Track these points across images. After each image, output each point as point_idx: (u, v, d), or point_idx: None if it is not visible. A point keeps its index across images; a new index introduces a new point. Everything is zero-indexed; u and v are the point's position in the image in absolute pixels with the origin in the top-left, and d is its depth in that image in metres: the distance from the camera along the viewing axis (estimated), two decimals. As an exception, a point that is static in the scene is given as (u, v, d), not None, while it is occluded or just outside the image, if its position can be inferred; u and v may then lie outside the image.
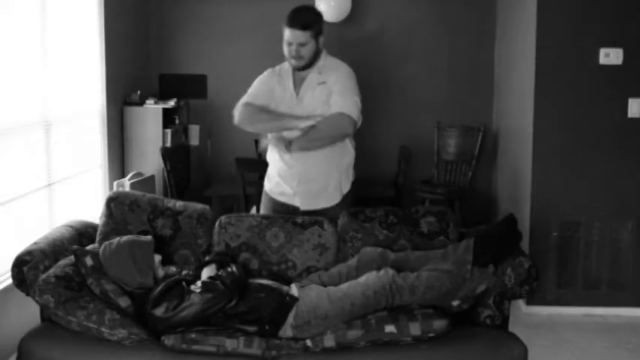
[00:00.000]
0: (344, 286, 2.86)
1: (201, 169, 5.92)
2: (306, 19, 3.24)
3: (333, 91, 3.26)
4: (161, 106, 5.32)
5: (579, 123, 4.25)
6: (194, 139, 5.88)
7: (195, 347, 2.70)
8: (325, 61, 3.35)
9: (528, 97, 4.38)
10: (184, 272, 3.00)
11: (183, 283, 2.85)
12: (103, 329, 2.72)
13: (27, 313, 3.26)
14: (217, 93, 5.90)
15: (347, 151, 3.46)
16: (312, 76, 3.31)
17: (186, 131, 5.81)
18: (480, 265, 2.87)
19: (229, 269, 2.90)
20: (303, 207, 3.41)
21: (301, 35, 3.20)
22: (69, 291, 2.80)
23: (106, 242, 3.00)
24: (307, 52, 3.24)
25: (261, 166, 4.92)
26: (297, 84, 3.34)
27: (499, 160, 5.59)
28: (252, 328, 2.78)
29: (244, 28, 5.87)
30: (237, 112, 3.35)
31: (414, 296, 2.80)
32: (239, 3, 5.85)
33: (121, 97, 5.25)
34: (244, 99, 3.37)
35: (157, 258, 2.98)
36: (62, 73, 4.27)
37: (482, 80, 5.83)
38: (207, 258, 3.08)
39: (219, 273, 2.88)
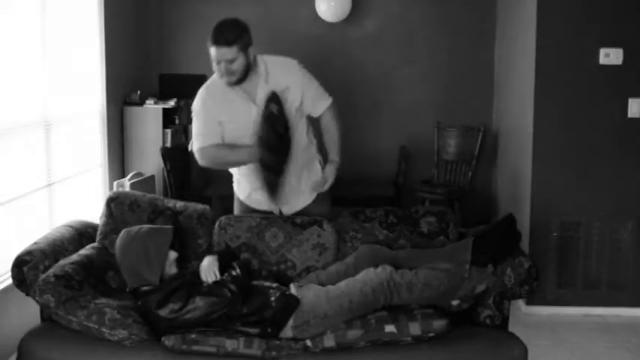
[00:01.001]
0: (342, 284, 2.86)
1: (201, 169, 5.90)
2: (230, 34, 3.02)
3: (299, 96, 3.14)
4: (161, 106, 5.32)
5: (579, 123, 4.24)
6: (194, 139, 5.87)
7: (195, 348, 2.70)
8: (265, 66, 3.13)
9: (528, 97, 4.38)
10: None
11: (189, 284, 2.84)
12: (104, 329, 2.72)
13: (27, 313, 3.27)
14: (217, 93, 5.89)
15: (310, 146, 3.32)
16: (262, 87, 3.09)
17: (186, 131, 5.81)
18: (479, 265, 2.87)
19: (234, 273, 2.89)
20: (286, 211, 3.34)
21: (228, 52, 3.00)
22: (69, 290, 2.80)
23: (126, 229, 3.00)
24: (238, 66, 3.03)
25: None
26: (250, 93, 3.12)
27: (499, 160, 5.59)
28: (254, 330, 2.78)
29: (244, 28, 5.86)
30: (199, 159, 3.19)
31: (412, 294, 2.80)
32: (239, 3, 5.85)
33: (121, 97, 5.25)
34: (196, 144, 3.17)
35: (173, 255, 2.97)
36: (62, 73, 4.27)
37: (483, 80, 5.83)
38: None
39: (225, 277, 2.88)
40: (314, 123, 3.34)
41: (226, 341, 2.72)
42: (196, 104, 3.20)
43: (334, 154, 3.28)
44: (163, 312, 2.75)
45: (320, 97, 3.25)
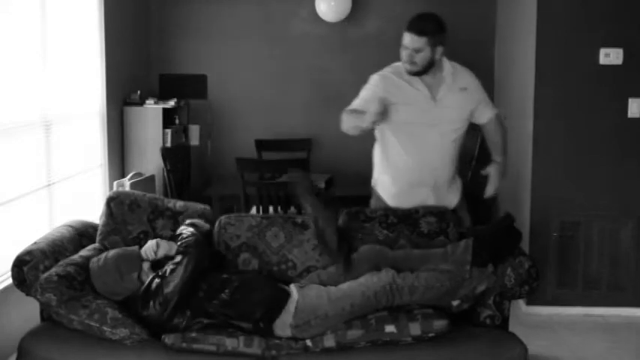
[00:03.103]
0: (344, 286, 2.86)
1: (201, 169, 5.92)
2: (426, 26, 3.18)
3: (476, 100, 3.35)
4: (161, 106, 5.32)
5: (579, 123, 4.24)
6: (194, 139, 5.88)
7: (195, 346, 2.70)
8: (452, 67, 3.31)
9: (528, 98, 4.38)
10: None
11: (157, 276, 2.87)
12: (105, 328, 2.72)
13: (27, 313, 3.26)
14: (217, 93, 5.90)
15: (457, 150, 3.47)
16: (448, 81, 3.27)
17: (186, 131, 5.81)
18: (479, 265, 2.87)
19: (183, 236, 2.95)
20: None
21: (417, 41, 3.16)
22: (71, 290, 2.80)
23: (94, 259, 2.98)
24: (421, 59, 3.18)
25: (262, 166, 4.94)
26: (430, 87, 3.27)
27: (499, 160, 5.58)
28: (246, 325, 2.78)
29: (244, 28, 5.87)
30: (341, 119, 3.34)
31: (414, 296, 2.81)
32: (239, 3, 5.85)
33: (121, 97, 5.25)
34: (349, 106, 3.34)
35: (146, 265, 2.96)
36: (62, 73, 4.27)
37: (483, 80, 5.76)
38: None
39: (178, 243, 2.94)
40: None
41: (226, 340, 2.72)
42: (372, 79, 3.39)
43: (498, 155, 3.45)
44: (150, 310, 2.77)
45: (487, 105, 3.43)
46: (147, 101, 5.30)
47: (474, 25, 5.80)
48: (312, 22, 5.80)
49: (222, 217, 3.30)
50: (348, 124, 3.27)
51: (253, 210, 4.69)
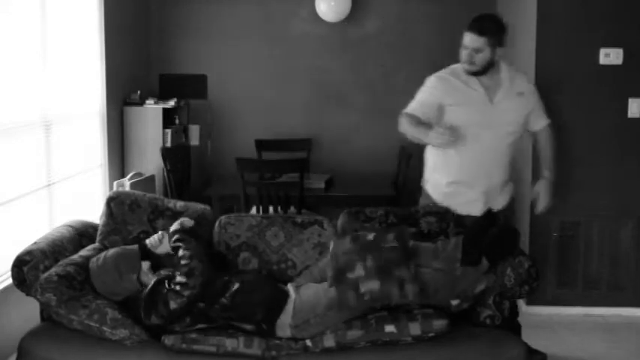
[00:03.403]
0: None
1: (201, 169, 5.92)
2: (486, 25, 3.23)
3: (531, 106, 3.39)
4: (161, 106, 5.32)
5: (579, 123, 4.24)
6: (194, 139, 5.88)
7: (195, 347, 2.71)
8: (510, 71, 3.35)
9: (528, 97, 4.37)
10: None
11: (165, 281, 2.84)
12: (105, 328, 2.72)
13: (27, 313, 3.26)
14: (217, 93, 5.90)
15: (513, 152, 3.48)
16: (506, 84, 3.31)
17: (186, 131, 5.81)
18: (469, 264, 2.85)
19: (183, 260, 2.87)
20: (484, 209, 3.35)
21: (477, 40, 3.20)
22: (71, 290, 2.80)
23: (93, 258, 2.98)
24: (480, 59, 3.22)
25: (262, 166, 4.94)
26: (488, 89, 3.30)
27: (499, 160, 5.58)
28: (249, 326, 2.78)
29: (244, 28, 5.87)
30: (399, 122, 3.41)
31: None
32: (239, 3, 5.85)
33: (121, 97, 5.25)
34: (407, 108, 3.40)
35: (146, 265, 2.95)
36: (62, 73, 4.27)
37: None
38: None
39: (181, 255, 2.87)
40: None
41: (226, 340, 2.72)
42: (429, 81, 3.41)
43: (546, 170, 3.52)
44: (153, 320, 2.76)
45: (542, 113, 3.48)
46: (147, 101, 5.30)
47: (474, 25, 5.80)
48: (312, 22, 5.80)
49: (222, 217, 3.30)
50: (411, 133, 3.32)
51: (253, 210, 4.69)
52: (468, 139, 3.27)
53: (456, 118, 3.28)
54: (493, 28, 3.22)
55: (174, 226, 3.02)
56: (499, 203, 3.43)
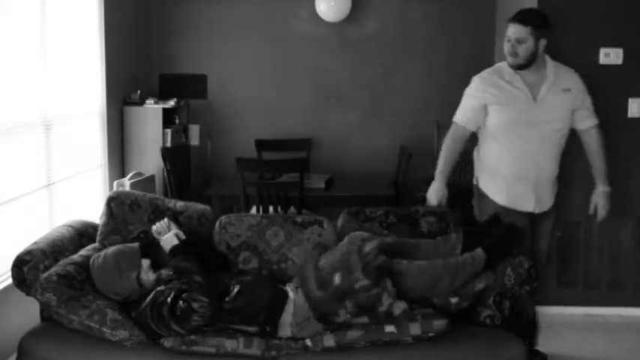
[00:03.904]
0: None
1: (201, 169, 5.92)
2: (528, 16, 3.24)
3: (579, 102, 3.36)
4: (161, 106, 5.32)
5: (579, 123, 4.24)
6: (194, 139, 5.88)
7: (194, 348, 2.70)
8: (556, 66, 3.34)
9: (528, 97, 4.37)
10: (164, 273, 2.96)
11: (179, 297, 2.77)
12: (105, 329, 2.72)
13: (27, 313, 3.26)
14: (217, 93, 5.90)
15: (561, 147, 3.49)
16: (550, 80, 3.30)
17: (186, 131, 5.81)
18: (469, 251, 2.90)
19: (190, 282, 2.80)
20: (538, 210, 3.44)
21: (519, 30, 3.20)
22: (71, 289, 2.80)
23: (94, 255, 2.98)
24: (524, 50, 3.22)
25: (262, 166, 4.93)
26: (531, 86, 3.31)
27: (499, 160, 5.58)
28: (252, 329, 2.78)
29: (244, 28, 5.87)
30: (449, 130, 3.47)
31: (407, 280, 2.81)
32: (239, 3, 5.85)
33: (121, 97, 5.24)
34: (455, 116, 3.45)
35: (146, 263, 2.95)
36: (62, 73, 4.26)
37: (483, 80, 5.82)
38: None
39: (184, 294, 2.77)
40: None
41: (226, 341, 2.72)
42: (473, 81, 3.44)
43: (602, 184, 3.54)
44: (171, 334, 2.74)
45: (590, 113, 3.45)
46: (147, 101, 5.31)
47: (474, 25, 5.81)
48: (312, 22, 5.80)
49: (223, 217, 3.30)
50: (441, 153, 3.48)
51: (253, 210, 4.69)
52: (514, 137, 3.30)
53: (499, 117, 3.31)
54: (537, 20, 3.22)
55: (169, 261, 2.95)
56: (549, 199, 3.46)
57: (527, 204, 3.39)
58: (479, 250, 2.90)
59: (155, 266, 2.96)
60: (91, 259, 2.96)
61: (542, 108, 3.29)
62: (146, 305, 2.78)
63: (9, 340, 3.25)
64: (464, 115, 3.41)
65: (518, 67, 3.26)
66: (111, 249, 2.99)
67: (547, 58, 3.31)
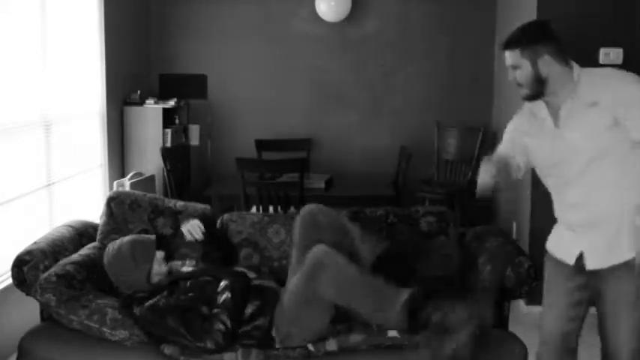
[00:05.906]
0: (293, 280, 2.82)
1: (201, 169, 5.92)
2: (513, 37, 2.48)
3: (620, 113, 2.38)
4: (161, 106, 5.32)
5: (579, 123, 4.24)
6: (194, 139, 5.88)
7: (193, 359, 2.68)
8: (585, 74, 2.47)
9: (528, 97, 4.37)
10: (186, 266, 3.01)
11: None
12: (105, 329, 2.72)
13: (27, 313, 3.26)
14: (217, 93, 5.90)
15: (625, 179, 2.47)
16: (575, 95, 2.44)
17: (186, 131, 5.82)
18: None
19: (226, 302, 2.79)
20: (591, 266, 2.56)
21: (509, 56, 2.48)
22: (70, 289, 2.80)
23: (109, 245, 3.01)
24: (522, 77, 2.47)
25: (262, 166, 4.93)
26: (556, 110, 2.50)
27: (499, 160, 5.57)
28: (253, 342, 2.75)
29: (244, 28, 5.88)
30: None
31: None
32: (239, 3, 5.85)
33: (121, 97, 5.25)
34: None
35: (160, 254, 2.98)
36: (62, 73, 4.27)
37: (483, 80, 5.83)
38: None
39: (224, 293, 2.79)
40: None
41: (224, 353, 2.70)
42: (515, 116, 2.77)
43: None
44: (209, 346, 2.69)
45: None
46: (147, 101, 5.31)
47: (474, 25, 5.81)
48: (312, 22, 5.80)
49: (225, 215, 3.32)
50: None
51: (253, 210, 4.69)
52: (550, 175, 2.60)
53: (533, 159, 2.64)
54: (523, 37, 2.46)
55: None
56: (619, 249, 2.47)
57: (569, 252, 2.58)
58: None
59: (168, 258, 2.99)
60: (106, 249, 2.98)
61: (564, 135, 2.48)
62: (155, 306, 2.75)
63: (9, 340, 3.25)
64: (500, 147, 2.78)
65: (530, 99, 2.53)
66: (126, 238, 3.00)
67: (574, 67, 2.49)
